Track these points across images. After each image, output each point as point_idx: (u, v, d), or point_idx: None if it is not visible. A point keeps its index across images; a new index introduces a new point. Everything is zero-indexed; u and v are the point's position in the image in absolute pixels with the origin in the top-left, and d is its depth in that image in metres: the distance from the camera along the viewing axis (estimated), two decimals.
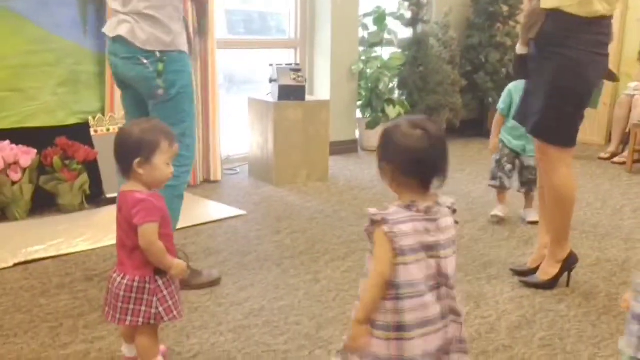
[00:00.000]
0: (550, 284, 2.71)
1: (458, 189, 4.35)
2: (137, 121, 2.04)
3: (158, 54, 2.49)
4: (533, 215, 3.55)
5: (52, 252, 3.05)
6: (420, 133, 1.48)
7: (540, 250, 2.85)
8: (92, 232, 3.29)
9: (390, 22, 5.59)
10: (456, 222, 1.55)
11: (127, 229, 1.87)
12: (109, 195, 3.79)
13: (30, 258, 2.98)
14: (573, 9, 2.41)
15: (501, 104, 3.59)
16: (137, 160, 1.85)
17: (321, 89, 5.32)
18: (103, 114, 3.93)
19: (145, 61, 2.48)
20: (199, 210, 3.83)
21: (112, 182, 3.69)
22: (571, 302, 2.62)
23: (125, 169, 1.88)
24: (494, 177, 3.64)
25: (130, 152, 1.86)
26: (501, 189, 3.67)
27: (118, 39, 2.52)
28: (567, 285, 2.75)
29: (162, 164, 1.89)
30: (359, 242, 3.28)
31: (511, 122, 3.41)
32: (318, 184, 4.45)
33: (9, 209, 3.54)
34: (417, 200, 1.49)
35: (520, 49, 2.67)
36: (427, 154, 1.48)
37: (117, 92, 3.92)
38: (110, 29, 2.57)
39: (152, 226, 1.84)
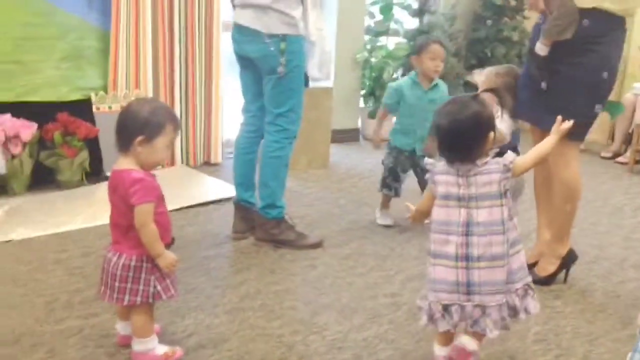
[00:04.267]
0: (547, 280, 2.71)
1: None
2: (145, 99, 2.03)
3: (280, 36, 2.74)
4: None
5: (50, 228, 3.05)
6: (445, 117, 1.82)
7: (539, 246, 2.84)
8: (91, 210, 3.27)
9: (397, 12, 5.55)
10: (507, 171, 1.80)
11: (123, 208, 1.85)
12: (108, 173, 3.74)
13: (27, 233, 2.97)
14: (613, 7, 2.44)
15: (388, 100, 3.34)
16: (140, 138, 1.84)
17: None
18: (105, 91, 3.90)
19: (268, 41, 2.74)
20: (198, 189, 3.81)
21: (112, 160, 3.64)
22: (568, 298, 2.62)
23: (125, 144, 1.87)
24: (387, 187, 3.36)
25: (135, 128, 1.85)
26: (394, 196, 3.39)
27: (244, 26, 2.80)
28: (565, 281, 2.74)
29: (162, 146, 1.88)
30: (357, 230, 3.28)
31: (400, 122, 3.33)
32: (318, 171, 4.44)
33: (8, 183, 3.52)
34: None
35: (543, 49, 2.57)
36: (443, 136, 1.84)
37: (121, 70, 3.93)
38: (237, 17, 2.87)
39: (148, 207, 1.83)
